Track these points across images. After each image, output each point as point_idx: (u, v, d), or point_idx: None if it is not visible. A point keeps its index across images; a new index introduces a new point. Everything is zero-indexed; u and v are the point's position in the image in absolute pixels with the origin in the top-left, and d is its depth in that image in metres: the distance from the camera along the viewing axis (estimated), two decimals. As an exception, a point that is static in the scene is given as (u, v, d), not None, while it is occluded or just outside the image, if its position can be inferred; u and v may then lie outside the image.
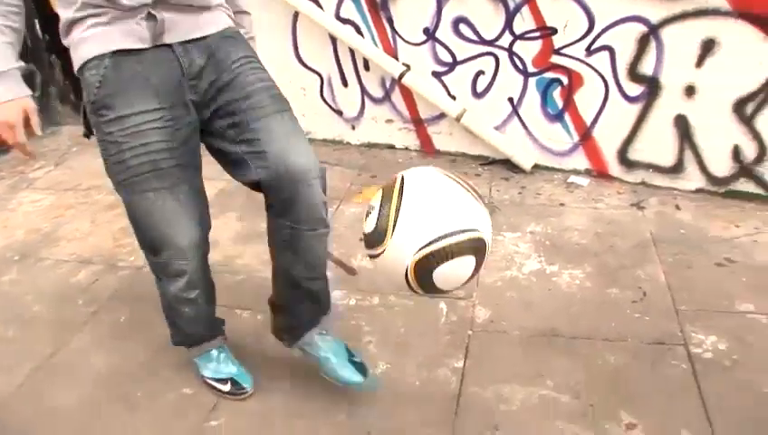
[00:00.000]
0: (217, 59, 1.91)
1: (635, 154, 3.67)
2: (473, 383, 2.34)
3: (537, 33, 3.58)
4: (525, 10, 3.53)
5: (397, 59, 3.94)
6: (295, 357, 2.40)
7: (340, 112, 4.30)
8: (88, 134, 2.01)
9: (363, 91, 4.17)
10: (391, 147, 4.28)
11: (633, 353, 2.45)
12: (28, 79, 4.60)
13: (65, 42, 1.86)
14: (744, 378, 2.33)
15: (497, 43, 3.69)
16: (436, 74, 3.92)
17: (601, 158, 3.75)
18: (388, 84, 4.08)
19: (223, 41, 1.94)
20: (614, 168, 3.75)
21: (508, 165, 3.95)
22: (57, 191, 4.01)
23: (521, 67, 3.70)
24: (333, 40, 4.04)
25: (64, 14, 1.81)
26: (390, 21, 3.86)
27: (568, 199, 3.60)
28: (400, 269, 1.58)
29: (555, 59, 3.60)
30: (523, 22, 3.57)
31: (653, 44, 3.36)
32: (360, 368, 2.21)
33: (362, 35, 3.95)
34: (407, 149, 4.25)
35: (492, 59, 3.74)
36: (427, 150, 4.19)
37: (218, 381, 2.33)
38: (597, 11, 3.40)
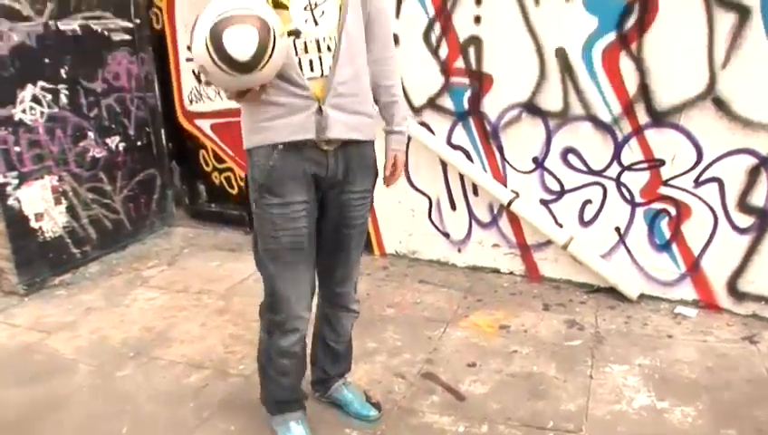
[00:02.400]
0: (348, 180, 2.39)
1: (746, 286, 3.59)
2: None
3: (645, 165, 3.64)
4: (633, 142, 3.62)
5: (505, 185, 4.05)
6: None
7: (447, 235, 4.40)
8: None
9: (471, 215, 4.27)
10: (496, 271, 4.31)
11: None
12: (149, 182, 4.99)
13: (238, 102, 2.26)
14: None
15: (605, 173, 3.76)
16: (544, 202, 4.00)
17: (710, 289, 3.68)
18: (495, 209, 4.18)
19: (360, 162, 2.40)
20: (723, 299, 3.67)
21: (614, 293, 3.91)
22: (170, 291, 4.23)
23: (628, 197, 3.74)
24: (444, 164, 4.21)
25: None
26: (501, 149, 4.01)
27: (676, 331, 3.52)
28: (201, 41, 1.96)
29: (663, 190, 3.63)
30: (632, 153, 3.65)
31: (764, 176, 3.37)
32: (376, 405, 2.84)
33: (472, 161, 4.09)
34: (511, 273, 4.27)
35: (600, 188, 3.81)
36: (533, 276, 4.20)
37: None
38: (705, 144, 3.45)
